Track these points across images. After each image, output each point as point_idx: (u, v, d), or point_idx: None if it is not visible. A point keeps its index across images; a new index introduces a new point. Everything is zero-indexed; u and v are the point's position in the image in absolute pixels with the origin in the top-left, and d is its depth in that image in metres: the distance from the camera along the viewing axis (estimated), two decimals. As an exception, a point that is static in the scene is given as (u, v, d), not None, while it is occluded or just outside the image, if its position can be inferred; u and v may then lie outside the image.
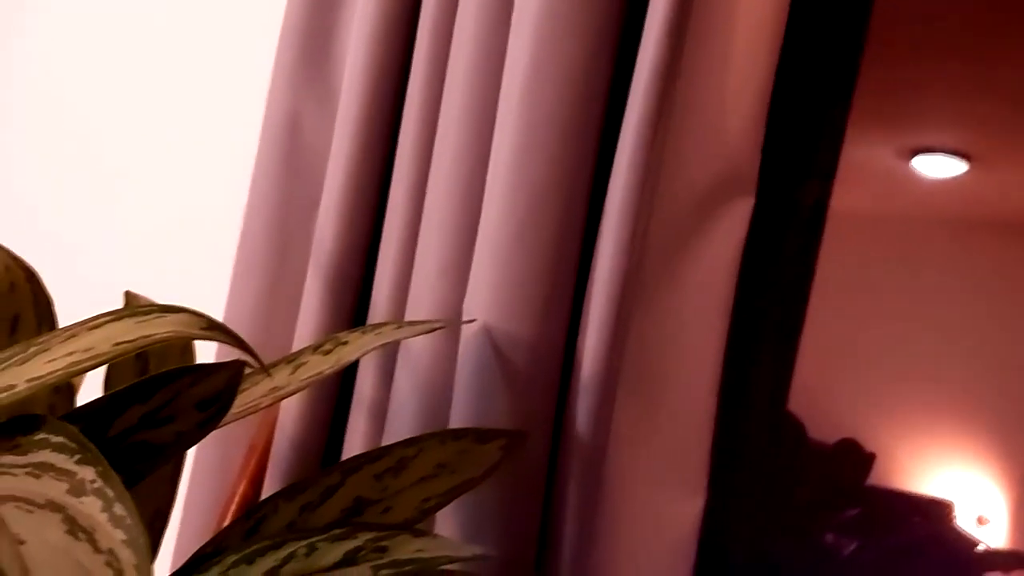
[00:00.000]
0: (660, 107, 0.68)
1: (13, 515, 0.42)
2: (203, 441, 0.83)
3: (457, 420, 0.75)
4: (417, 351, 0.77)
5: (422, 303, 0.77)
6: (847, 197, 0.86)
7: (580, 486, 0.73)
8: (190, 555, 0.62)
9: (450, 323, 0.74)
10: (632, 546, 0.76)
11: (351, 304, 0.83)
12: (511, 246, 0.71)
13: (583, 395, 0.72)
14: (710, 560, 0.80)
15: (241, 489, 0.85)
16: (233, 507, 0.84)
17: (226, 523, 0.81)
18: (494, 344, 0.73)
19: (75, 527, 0.42)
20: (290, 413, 0.82)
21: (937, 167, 0.91)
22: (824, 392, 0.91)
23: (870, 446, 0.90)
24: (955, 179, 0.91)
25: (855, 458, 0.91)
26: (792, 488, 0.91)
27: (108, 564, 0.40)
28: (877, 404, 0.91)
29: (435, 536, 0.68)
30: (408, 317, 0.78)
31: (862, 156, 0.88)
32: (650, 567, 0.75)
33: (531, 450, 0.73)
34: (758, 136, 0.76)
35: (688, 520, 0.76)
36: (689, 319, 0.75)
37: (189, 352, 0.73)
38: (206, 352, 0.72)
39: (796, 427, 0.91)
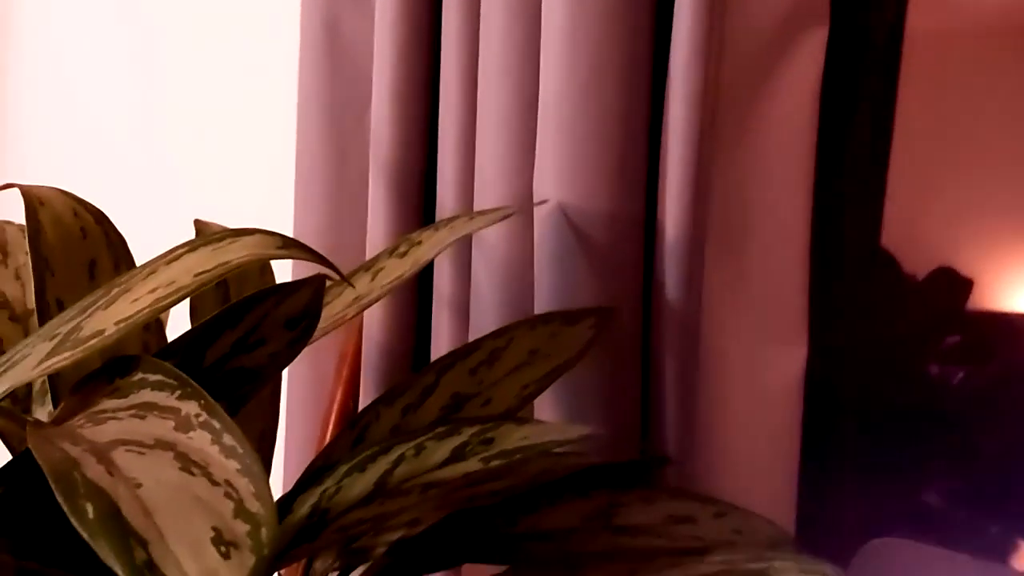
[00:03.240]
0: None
1: (125, 459, 0.42)
2: (295, 359, 0.84)
3: (542, 306, 0.73)
4: (492, 241, 0.76)
5: (490, 191, 0.74)
6: (924, 16, 0.80)
7: (677, 353, 0.72)
8: (300, 471, 0.63)
9: (522, 207, 0.72)
10: (737, 405, 0.74)
11: (418, 203, 0.81)
12: (575, 116, 0.68)
13: (669, 262, 0.70)
14: (818, 409, 0.78)
15: (338, 401, 0.86)
16: (333, 419, 0.85)
17: (329, 435, 0.82)
18: (570, 222, 0.71)
19: (188, 463, 0.42)
20: (375, 320, 0.82)
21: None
22: (916, 223, 0.87)
23: (966, 272, 0.87)
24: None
25: (952, 285, 0.88)
26: (892, 324, 0.88)
27: (227, 496, 0.40)
28: (971, 229, 0.87)
29: (539, 422, 0.68)
30: (477, 208, 0.76)
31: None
32: (757, 423, 0.74)
33: (622, 325, 0.72)
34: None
35: (792, 371, 0.74)
36: (772, 165, 0.72)
37: (268, 274, 0.73)
38: (283, 274, 0.71)
39: (891, 262, 0.88)
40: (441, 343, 0.79)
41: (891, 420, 0.86)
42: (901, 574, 0.50)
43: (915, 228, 0.87)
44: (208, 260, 0.53)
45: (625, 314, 0.72)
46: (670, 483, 0.72)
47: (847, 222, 0.81)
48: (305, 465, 0.64)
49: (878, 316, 0.87)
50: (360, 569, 0.65)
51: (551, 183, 0.70)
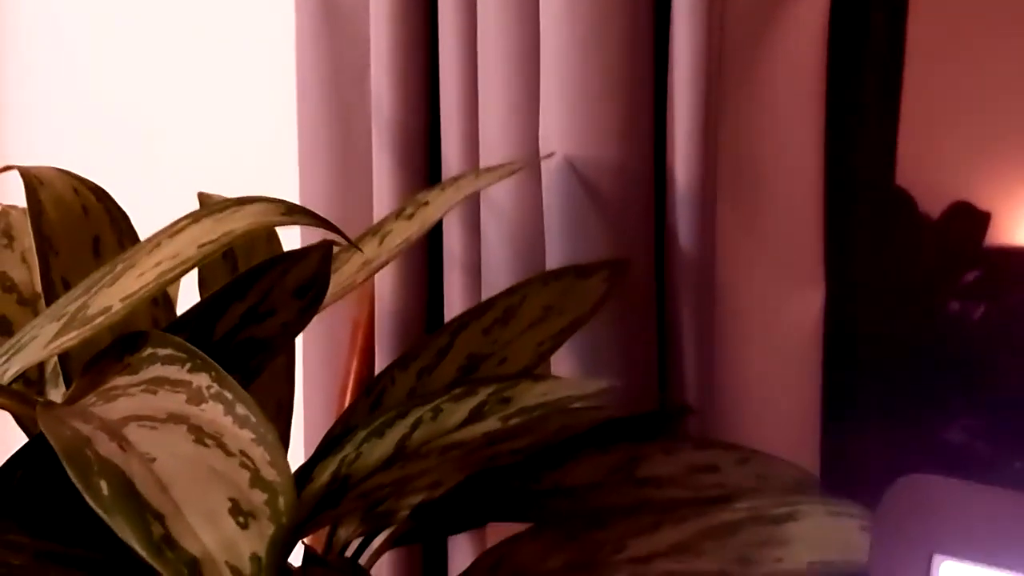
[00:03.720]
0: None
1: (138, 434, 0.41)
2: (308, 329, 0.84)
3: (553, 261, 0.73)
4: (500, 198, 0.74)
5: (495, 147, 0.73)
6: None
7: (693, 302, 0.71)
8: (319, 441, 0.63)
9: (528, 162, 0.71)
10: (756, 350, 0.74)
11: (423, 164, 0.80)
12: (578, 64, 0.66)
13: (681, 209, 0.69)
14: (838, 351, 0.77)
15: (354, 368, 0.85)
16: (350, 387, 0.85)
17: (347, 403, 0.82)
18: (578, 174, 0.70)
19: (201, 435, 0.42)
20: (385, 285, 0.81)
21: None
22: (931, 159, 0.86)
23: (984, 206, 0.85)
24: None
25: (970, 220, 0.87)
26: (910, 262, 0.87)
27: (243, 466, 0.40)
28: (988, 163, 0.85)
29: (556, 378, 0.67)
30: (483, 166, 0.74)
31: None
32: (777, 367, 0.74)
33: (636, 277, 0.71)
34: None
35: (810, 314, 0.73)
36: (782, 104, 0.70)
37: (275, 243, 0.72)
38: (290, 244, 0.71)
39: (907, 200, 0.86)
40: (454, 304, 0.78)
41: (912, 359, 0.85)
42: (933, 509, 0.50)
43: (930, 164, 0.86)
44: (212, 230, 0.52)
45: (638, 265, 0.71)
46: (691, 433, 0.72)
47: (860, 160, 0.80)
48: (324, 434, 0.63)
49: (895, 255, 0.85)
50: (384, 534, 0.65)
51: (557, 136, 0.69)
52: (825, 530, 0.59)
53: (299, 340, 0.81)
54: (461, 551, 0.78)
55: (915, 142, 0.82)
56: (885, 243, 0.84)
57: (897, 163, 0.83)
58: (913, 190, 0.85)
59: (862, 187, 0.81)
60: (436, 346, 0.68)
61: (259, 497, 0.39)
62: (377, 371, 0.79)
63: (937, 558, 0.50)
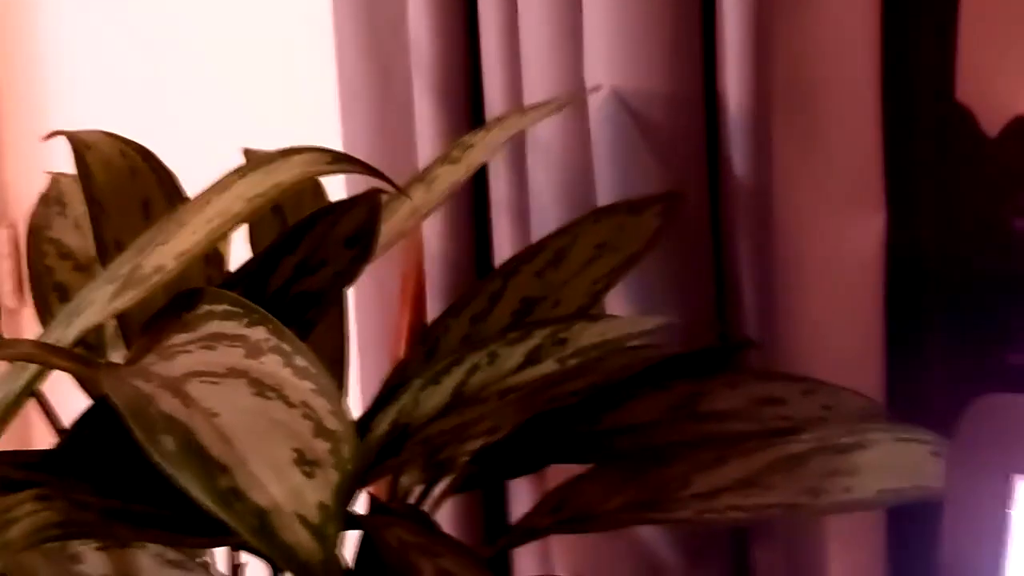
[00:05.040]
0: None
1: (199, 390, 0.41)
2: (358, 281, 0.83)
3: (604, 198, 0.71)
4: (546, 137, 0.73)
5: (539, 85, 0.72)
6: None
7: (749, 232, 0.69)
8: (376, 391, 0.63)
9: (574, 97, 0.69)
10: (817, 279, 0.72)
11: (465, 107, 0.78)
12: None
13: (734, 137, 0.67)
14: (900, 275, 0.75)
15: (406, 318, 0.85)
16: (403, 337, 0.85)
17: (401, 354, 0.82)
18: (626, 107, 0.68)
19: (262, 388, 0.42)
20: (434, 234, 0.80)
21: None
22: (990, 74, 0.82)
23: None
24: None
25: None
26: (972, 181, 0.84)
27: (305, 416, 0.40)
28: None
29: (612, 317, 0.67)
30: (527, 104, 0.73)
31: None
32: (839, 296, 0.72)
33: (690, 209, 0.69)
34: None
35: (871, 239, 0.71)
36: (836, 23, 0.67)
37: (321, 196, 0.72)
38: (336, 197, 0.70)
39: (967, 117, 0.83)
40: (503, 249, 0.78)
41: (977, 281, 0.82)
42: (1012, 429, 0.48)
43: (990, 78, 0.82)
44: (260, 183, 0.52)
45: (692, 197, 0.69)
46: (753, 366, 0.71)
47: (918, 77, 0.77)
48: (380, 385, 0.63)
49: (957, 174, 0.82)
50: (446, 480, 0.65)
51: (602, 69, 0.67)
52: (894, 457, 0.58)
53: (351, 294, 0.81)
54: (522, 495, 0.78)
55: (974, 56, 0.79)
56: (946, 162, 0.82)
57: (956, 78, 0.80)
58: (973, 106, 0.82)
59: (920, 105, 0.78)
60: (488, 291, 0.67)
61: (323, 446, 0.38)
62: (429, 320, 0.79)
63: (1016, 478, 0.49)
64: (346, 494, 0.37)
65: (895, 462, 0.57)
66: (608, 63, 0.67)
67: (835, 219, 0.71)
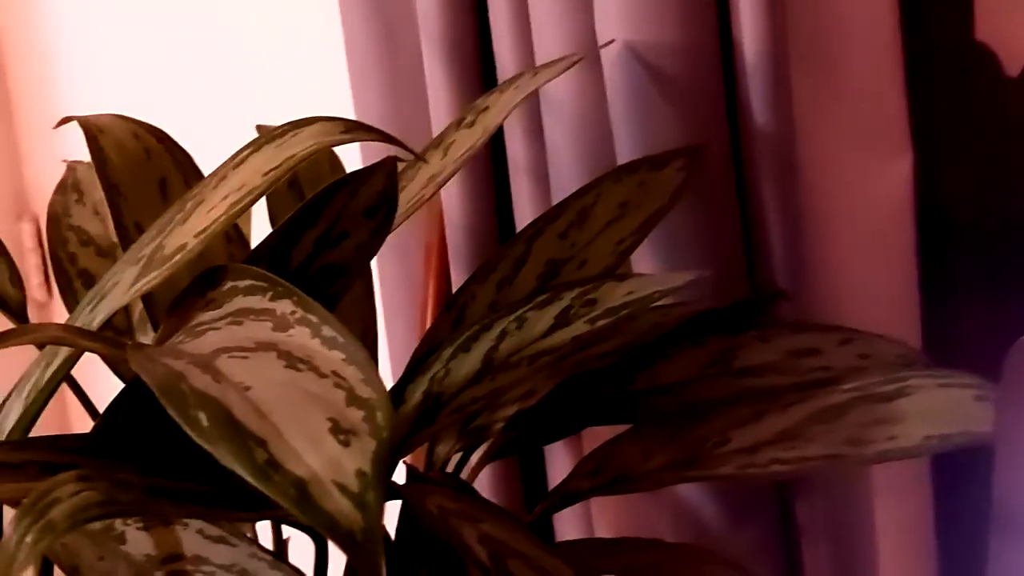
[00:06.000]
0: None
1: (230, 365, 0.41)
2: (381, 254, 0.83)
3: (624, 155, 0.70)
4: (561, 96, 0.72)
5: (550, 43, 0.70)
6: None
7: (774, 181, 0.68)
8: (406, 363, 0.62)
9: (587, 53, 0.68)
10: (846, 226, 0.70)
11: (476, 70, 0.77)
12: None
13: (753, 85, 0.65)
14: (930, 220, 0.74)
15: (432, 290, 0.84)
16: (430, 308, 0.84)
17: (428, 325, 0.81)
18: (641, 61, 0.66)
19: (292, 360, 0.41)
20: (454, 202, 0.79)
21: None
22: (1009, 11, 0.80)
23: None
24: None
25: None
26: (996, 122, 0.82)
27: (337, 386, 0.39)
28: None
29: (640, 275, 0.65)
30: (539, 63, 0.71)
31: None
32: (870, 241, 0.70)
33: (713, 162, 0.68)
34: None
35: (899, 182, 0.70)
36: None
37: (338, 168, 0.71)
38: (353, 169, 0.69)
39: (987, 55, 0.81)
40: (524, 213, 0.77)
41: (1006, 224, 0.80)
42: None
43: (1009, 16, 0.80)
44: (274, 157, 0.51)
45: (714, 149, 0.68)
46: (786, 319, 0.69)
47: (937, 15, 0.75)
48: (410, 356, 0.63)
49: (980, 115, 0.80)
50: (482, 448, 0.65)
51: (615, 22, 0.66)
52: (938, 403, 0.56)
53: (375, 268, 0.81)
54: (559, 460, 0.77)
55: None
56: (968, 102, 0.79)
57: (975, 16, 0.78)
58: (994, 44, 0.80)
59: (940, 44, 0.75)
60: (512, 256, 0.66)
61: (357, 415, 0.38)
62: (455, 289, 0.78)
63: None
64: (383, 462, 0.36)
65: (939, 408, 0.56)
66: (620, 17, 0.65)
67: (861, 162, 0.70)
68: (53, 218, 0.72)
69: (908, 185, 0.70)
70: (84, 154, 0.64)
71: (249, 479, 0.35)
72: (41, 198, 1.28)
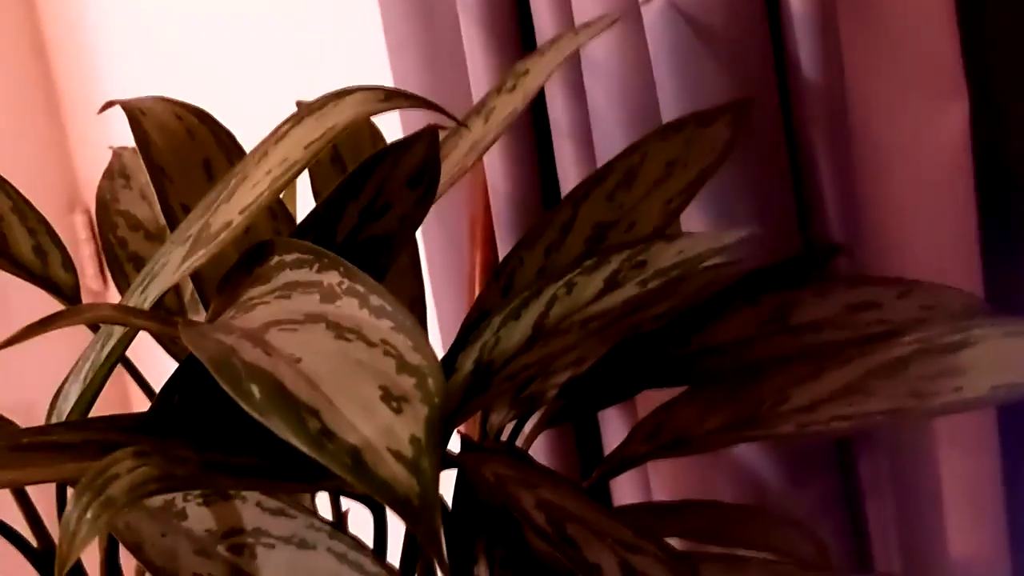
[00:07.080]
0: None
1: (279, 338, 0.41)
2: (426, 226, 0.82)
3: (669, 113, 0.68)
4: (602, 57, 0.70)
5: (590, 2, 0.69)
6: None
7: (825, 133, 0.66)
8: (455, 333, 0.62)
9: (628, 10, 0.66)
10: (901, 175, 0.68)
11: (515, 34, 0.76)
12: None
13: (801, 34, 0.63)
14: (991, 165, 0.71)
15: (479, 259, 0.84)
16: (477, 277, 0.84)
17: (476, 292, 0.81)
18: (684, 15, 0.65)
19: (341, 331, 0.41)
20: (497, 170, 0.78)
21: None
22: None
23: None
24: None
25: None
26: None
27: (386, 354, 0.39)
28: None
29: (690, 234, 0.64)
30: (578, 23, 0.70)
31: None
32: (926, 190, 0.68)
33: (762, 116, 0.66)
34: None
35: (954, 128, 0.67)
36: None
37: (379, 139, 0.71)
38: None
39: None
40: (568, 177, 0.75)
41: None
42: None
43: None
44: (315, 129, 0.50)
45: (762, 102, 0.66)
46: (842, 273, 0.68)
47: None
48: (459, 326, 0.62)
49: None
50: (536, 415, 0.64)
51: (655, -24, 0.64)
52: (1005, 352, 0.55)
53: (420, 240, 0.80)
54: (614, 425, 0.77)
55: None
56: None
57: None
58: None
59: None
60: (559, 221, 0.65)
61: (408, 382, 0.38)
62: (501, 257, 0.77)
63: None
64: (437, 428, 0.36)
65: (1006, 357, 0.54)
66: (662, -31, 0.64)
67: (914, 109, 0.67)
68: (102, 204, 0.73)
69: (964, 130, 0.68)
70: (130, 141, 0.64)
71: (304, 449, 0.35)
72: (92, 189, 1.30)
